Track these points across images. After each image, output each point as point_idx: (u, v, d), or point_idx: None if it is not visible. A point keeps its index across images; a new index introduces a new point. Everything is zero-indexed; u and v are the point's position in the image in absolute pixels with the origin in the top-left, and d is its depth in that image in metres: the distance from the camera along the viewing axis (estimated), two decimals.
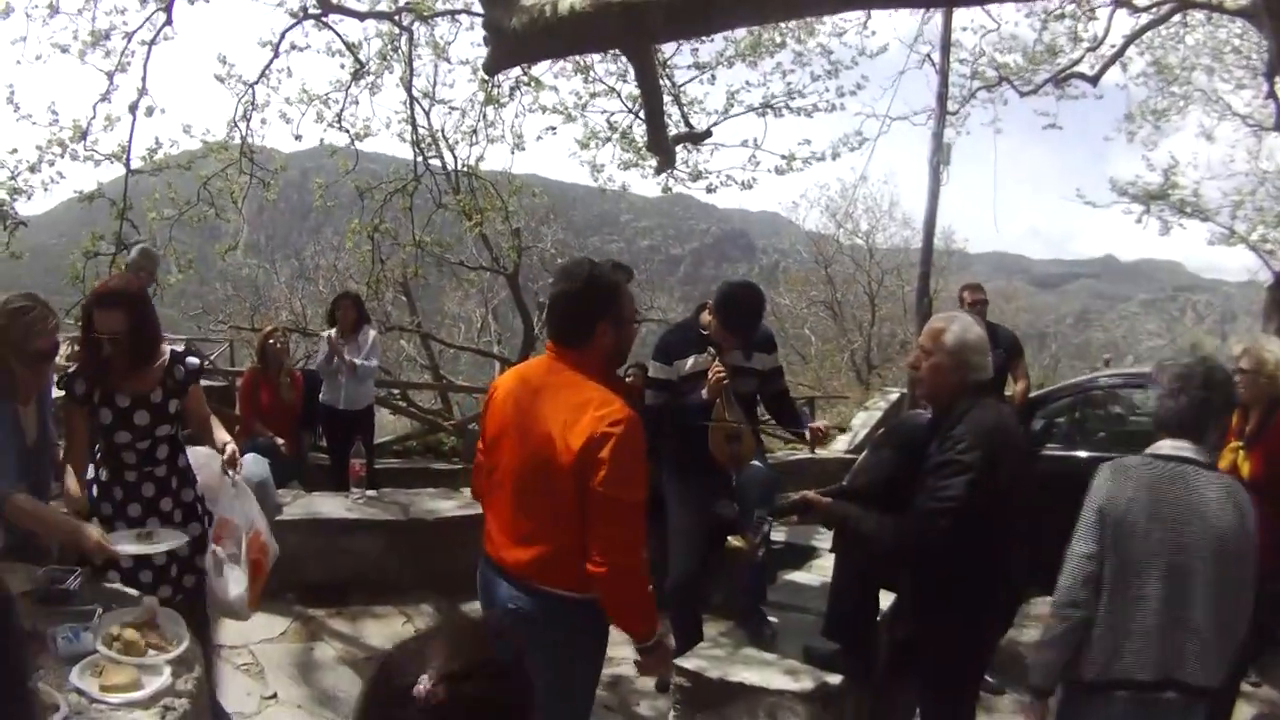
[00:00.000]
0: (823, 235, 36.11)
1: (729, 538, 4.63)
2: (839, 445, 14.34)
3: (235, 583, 4.07)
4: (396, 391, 15.46)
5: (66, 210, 23.55)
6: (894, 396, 15.95)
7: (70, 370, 4.21)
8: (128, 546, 3.91)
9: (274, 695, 5.35)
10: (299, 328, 15.94)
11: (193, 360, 4.35)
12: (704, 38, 11.18)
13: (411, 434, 13.51)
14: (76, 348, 3.95)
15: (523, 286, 20.62)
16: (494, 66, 6.76)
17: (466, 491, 7.65)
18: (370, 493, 7.50)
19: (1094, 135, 21.89)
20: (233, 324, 16.38)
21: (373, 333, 9.40)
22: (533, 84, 11.95)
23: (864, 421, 14.88)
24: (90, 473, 4.27)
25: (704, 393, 5.36)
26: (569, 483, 3.20)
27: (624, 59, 11.48)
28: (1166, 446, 3.49)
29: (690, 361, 5.60)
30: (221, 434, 4.42)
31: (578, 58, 11.23)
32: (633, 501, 3.20)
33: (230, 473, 4.25)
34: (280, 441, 8.08)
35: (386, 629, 6.39)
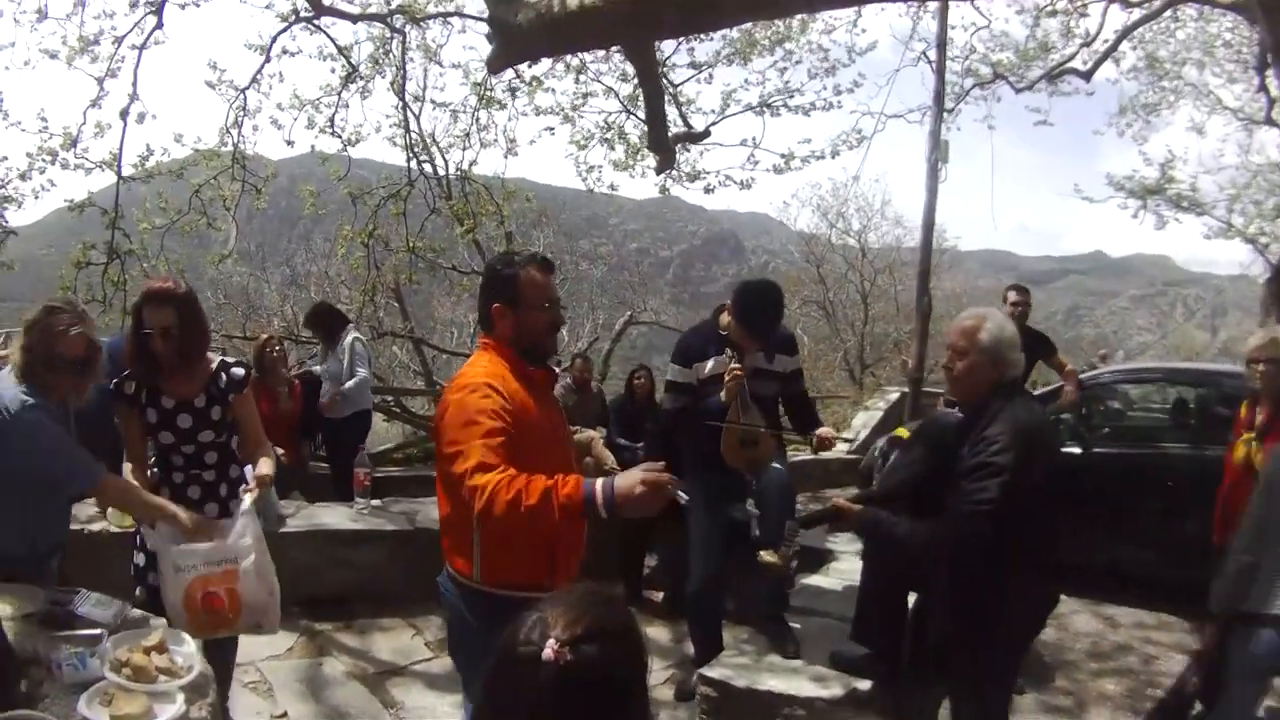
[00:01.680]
0: (814, 235, 36.07)
1: (761, 552, 4.53)
2: (840, 446, 14.24)
3: (169, 588, 3.91)
4: (390, 398, 15.32)
5: (54, 221, 23.41)
6: (894, 396, 15.89)
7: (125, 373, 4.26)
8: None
9: (284, 714, 5.22)
10: (292, 335, 15.77)
11: (238, 371, 4.36)
12: (709, 34, 11.09)
13: (412, 441, 13.38)
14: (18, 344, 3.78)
15: None
16: (498, 64, 6.63)
17: None
18: (375, 502, 7.35)
19: (1082, 131, 21.94)
20: (225, 332, 16.18)
21: (350, 337, 9.23)
22: (533, 84, 11.86)
23: (865, 422, 14.80)
24: None
25: (721, 396, 5.26)
26: (440, 459, 3.20)
27: (618, 59, 11.48)
28: None
29: (710, 364, 5.53)
30: (265, 457, 4.39)
31: (572, 58, 11.14)
32: (471, 466, 2.94)
33: (245, 499, 4.12)
34: (280, 451, 7.91)
35: (395, 642, 6.26)
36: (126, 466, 4.33)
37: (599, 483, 2.81)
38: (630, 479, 2.80)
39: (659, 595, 7.49)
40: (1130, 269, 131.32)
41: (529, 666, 1.56)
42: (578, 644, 1.56)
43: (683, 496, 2.86)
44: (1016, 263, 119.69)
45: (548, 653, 1.54)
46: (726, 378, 5.25)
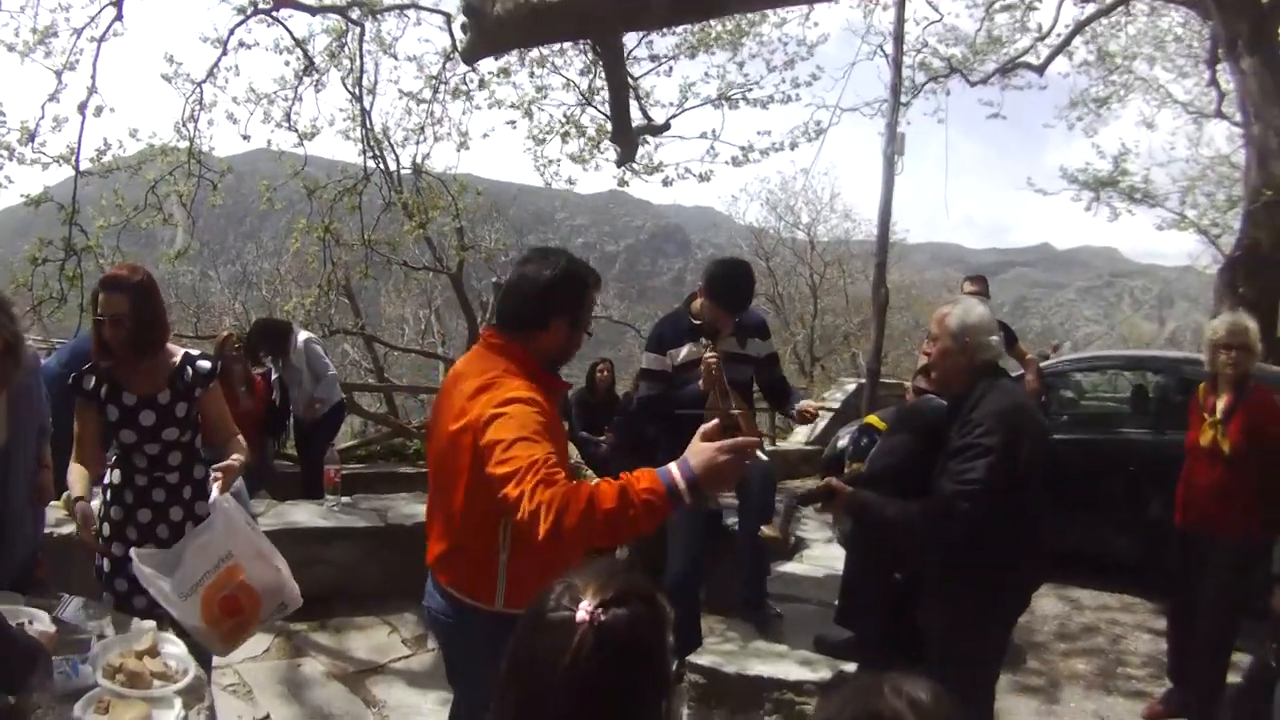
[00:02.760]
0: (762, 229, 36.22)
1: (762, 528, 4.52)
2: (799, 436, 14.33)
3: (185, 616, 3.59)
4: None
5: (4, 220, 22.99)
6: (850, 387, 15.97)
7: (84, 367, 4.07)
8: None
9: (266, 716, 5.15)
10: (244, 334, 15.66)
11: (203, 364, 4.17)
12: (695, 23, 11.11)
13: (373, 438, 13.30)
14: None
15: (466, 286, 20.40)
16: (472, 54, 6.62)
17: None
18: (345, 499, 7.28)
19: (1030, 125, 22.17)
20: (177, 332, 15.97)
21: (302, 337, 9.15)
22: (499, 75, 11.81)
23: (814, 406, 14.81)
24: (105, 477, 4.14)
25: (699, 383, 5.27)
26: (465, 477, 2.97)
27: (572, 52, 11.46)
28: None
29: (684, 351, 5.55)
30: (236, 450, 4.20)
31: (533, 51, 11.11)
32: (529, 463, 2.66)
33: (213, 490, 3.87)
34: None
35: (371, 640, 6.20)
36: (73, 469, 3.94)
37: (672, 467, 2.56)
38: (706, 452, 2.58)
39: None
40: (1077, 261, 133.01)
41: (562, 631, 1.63)
42: (609, 606, 1.63)
43: (763, 457, 2.82)
44: (964, 255, 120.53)
45: (582, 614, 1.62)
46: (703, 364, 5.25)
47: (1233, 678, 5.25)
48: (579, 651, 1.60)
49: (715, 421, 2.76)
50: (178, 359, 4.11)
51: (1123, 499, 7.65)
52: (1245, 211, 8.56)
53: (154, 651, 3.17)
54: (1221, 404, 5.28)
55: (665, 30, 11.13)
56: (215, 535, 3.70)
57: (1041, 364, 8.70)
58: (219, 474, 3.95)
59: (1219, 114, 17.68)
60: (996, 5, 15.83)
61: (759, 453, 5.52)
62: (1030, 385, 7.95)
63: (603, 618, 1.62)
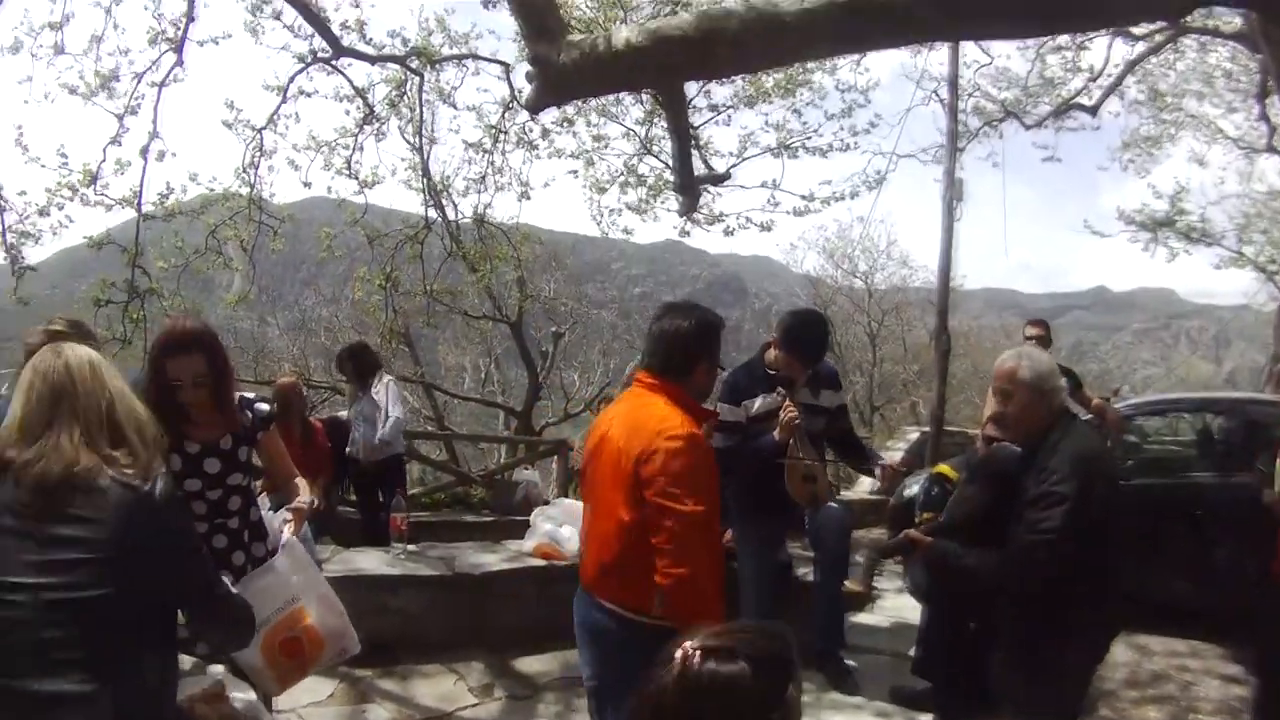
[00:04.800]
0: (819, 277, 36.13)
1: (845, 582, 4.48)
2: (864, 485, 14.17)
3: (246, 656, 3.57)
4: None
5: (59, 260, 23.40)
6: (914, 436, 15.82)
7: None
8: None
9: None
10: (305, 379, 15.81)
11: (262, 406, 4.12)
12: (759, 73, 11.16)
13: (438, 486, 13.32)
14: None
15: (525, 335, 20.51)
16: (538, 104, 6.60)
17: (509, 544, 7.48)
18: (411, 547, 7.26)
19: (1084, 166, 22.12)
20: (238, 377, 16.17)
21: (387, 378, 9.22)
22: (562, 124, 11.90)
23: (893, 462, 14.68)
24: None
25: (776, 434, 5.24)
26: (626, 497, 3.35)
27: (629, 100, 11.54)
28: None
29: (759, 402, 5.53)
30: (301, 489, 4.18)
31: (594, 100, 11.18)
32: (688, 512, 3.21)
33: (284, 532, 3.94)
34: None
35: (438, 688, 6.14)
36: None
37: None
38: None
39: None
40: (1133, 303, 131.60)
41: (667, 664, 1.75)
42: (708, 655, 1.71)
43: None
44: (1019, 300, 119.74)
45: (679, 652, 1.73)
46: (783, 418, 5.22)
47: None
48: (661, 688, 1.72)
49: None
50: (236, 403, 4.02)
51: (1190, 543, 7.47)
52: None
53: (222, 696, 3.12)
54: None
55: (723, 80, 11.19)
56: (280, 578, 3.72)
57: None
58: (289, 516, 3.96)
59: (1270, 149, 17.56)
60: (1047, 46, 15.78)
61: (832, 502, 5.49)
62: (1114, 424, 7.83)
63: (695, 662, 1.70)
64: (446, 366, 30.57)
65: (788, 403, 5.25)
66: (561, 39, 5.78)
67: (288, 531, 3.92)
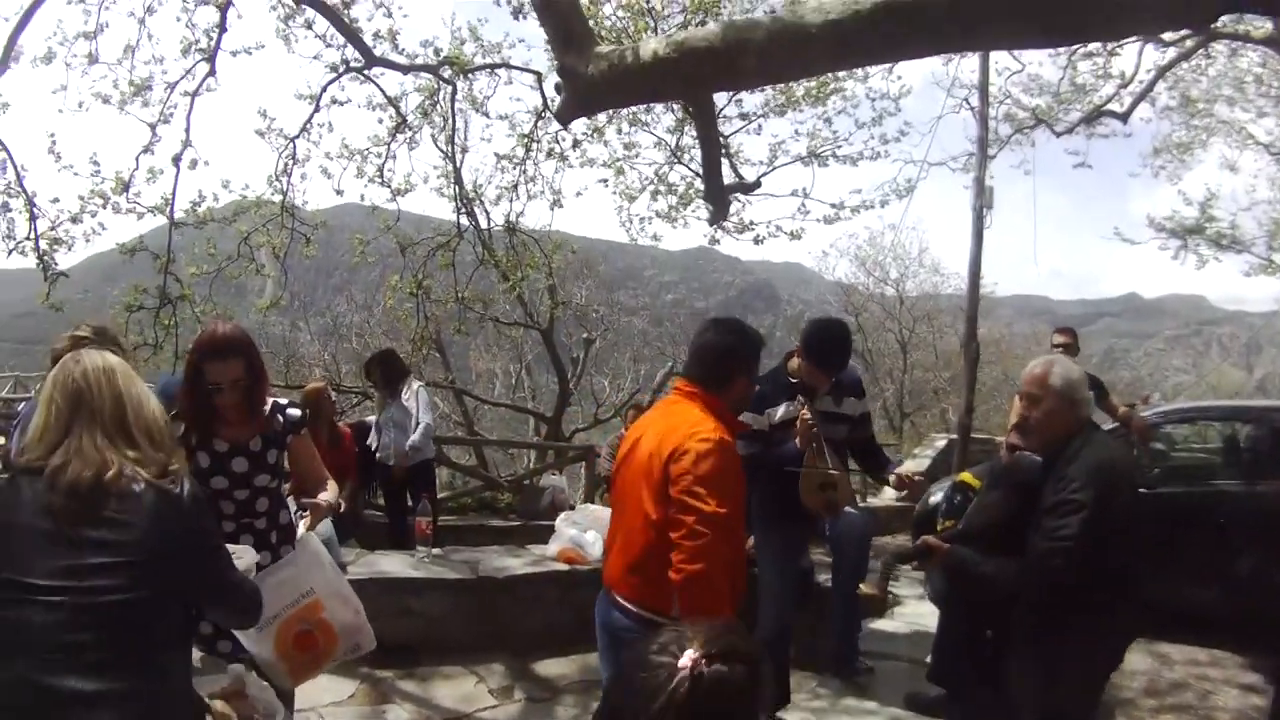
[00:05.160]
0: (851, 285, 36.04)
1: (861, 585, 4.52)
2: (890, 493, 14.15)
3: (259, 647, 3.72)
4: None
5: (88, 266, 23.64)
6: (941, 444, 15.80)
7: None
8: None
9: None
10: (335, 384, 15.94)
11: (294, 411, 4.19)
12: (786, 84, 11.18)
13: (465, 490, 13.40)
14: None
15: (556, 342, 20.56)
16: (567, 115, 6.67)
17: (533, 548, 7.56)
18: (435, 551, 7.33)
19: (1115, 173, 21.99)
20: (271, 381, 16.32)
21: (416, 384, 9.36)
22: (591, 135, 11.97)
23: (913, 470, 14.65)
24: None
25: (796, 441, 5.27)
26: (654, 494, 3.45)
27: (658, 109, 11.58)
28: None
29: (781, 410, 5.55)
30: (328, 489, 4.24)
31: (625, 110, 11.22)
32: (710, 512, 3.28)
33: (300, 526, 4.04)
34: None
35: (458, 690, 6.20)
36: None
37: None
38: None
39: None
40: (1164, 310, 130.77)
41: (663, 673, 1.72)
42: (712, 661, 1.72)
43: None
44: (1051, 307, 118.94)
45: (685, 662, 1.71)
46: (799, 423, 5.25)
47: None
48: (673, 696, 1.69)
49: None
50: (268, 406, 4.10)
51: (1214, 552, 7.43)
52: None
53: (242, 693, 3.18)
54: None
55: (753, 89, 11.21)
56: (297, 571, 3.79)
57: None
58: (306, 511, 4.03)
59: None
60: (1079, 53, 15.70)
61: (851, 509, 5.52)
62: (1140, 432, 7.81)
63: (704, 669, 1.70)
64: (478, 372, 30.64)
65: (805, 410, 5.26)
66: (590, 50, 5.84)
67: (303, 526, 4.01)
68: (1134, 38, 13.95)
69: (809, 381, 5.48)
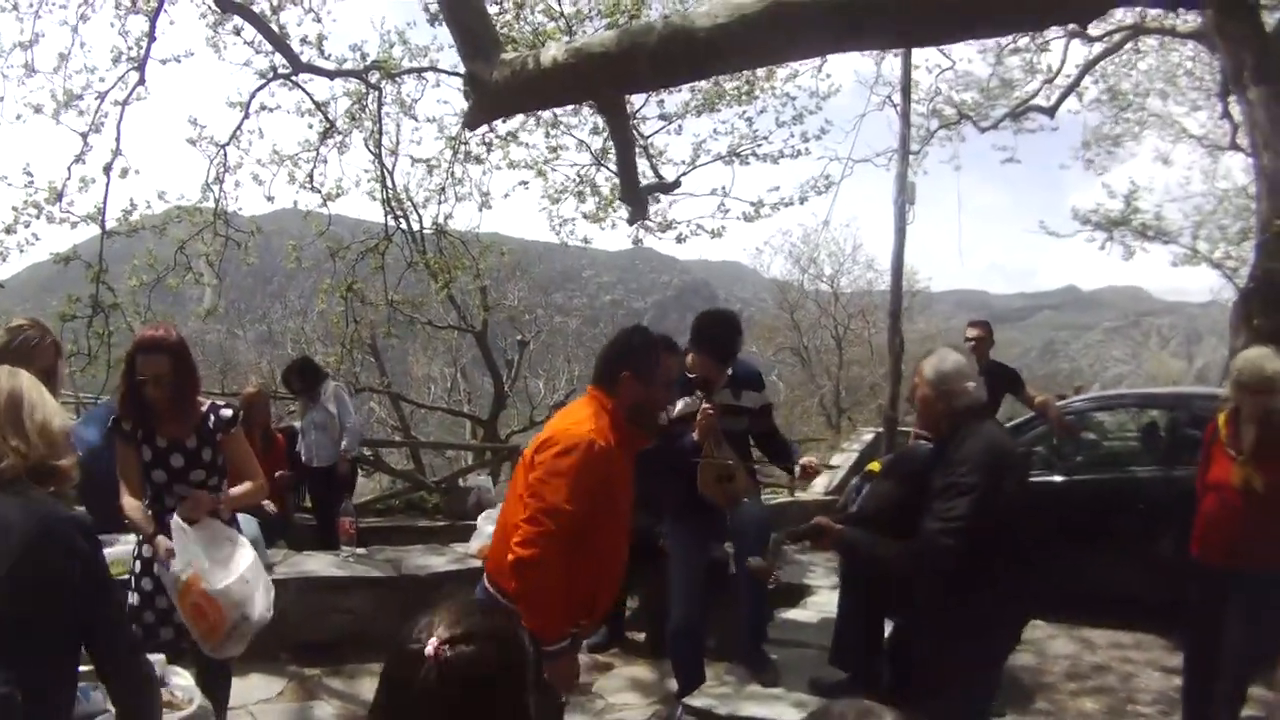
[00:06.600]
0: (787, 282, 36.31)
1: (749, 559, 4.66)
2: (818, 486, 14.37)
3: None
4: (369, 452, 15.41)
5: (27, 277, 23.37)
6: (869, 436, 16.04)
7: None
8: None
9: None
10: (272, 392, 15.91)
11: (226, 411, 4.47)
12: (679, 87, 11.30)
13: (392, 493, 13.44)
14: None
15: (491, 344, 20.59)
16: (474, 121, 6.82)
17: (456, 547, 7.70)
18: (360, 550, 7.44)
19: (1049, 167, 22.30)
20: (205, 390, 16.20)
21: (333, 385, 9.54)
22: (507, 139, 12.04)
23: (841, 462, 14.91)
24: None
25: (694, 434, 5.39)
26: (524, 481, 3.59)
27: (587, 112, 11.67)
28: None
29: (679, 404, 5.58)
30: (252, 486, 4.53)
31: (545, 112, 11.30)
32: (554, 505, 3.42)
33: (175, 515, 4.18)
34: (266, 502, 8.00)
35: None
36: (132, 505, 4.28)
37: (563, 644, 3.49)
38: (568, 676, 3.62)
39: (641, 636, 7.55)
40: (1103, 302, 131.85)
41: (414, 661, 1.78)
42: (454, 644, 1.77)
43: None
44: (989, 301, 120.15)
45: (429, 649, 1.76)
46: (699, 418, 5.36)
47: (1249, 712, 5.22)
48: (424, 683, 1.76)
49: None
50: (204, 408, 4.40)
51: (1134, 536, 7.63)
52: (1257, 243, 8.52)
53: (161, 681, 3.27)
54: (1250, 441, 5.09)
55: (672, 89, 11.36)
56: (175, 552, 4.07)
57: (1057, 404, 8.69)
58: (184, 497, 4.25)
59: (1233, 146, 17.56)
60: (1006, 48, 15.95)
61: (749, 501, 5.67)
62: (1056, 422, 7.97)
63: (447, 654, 1.76)
64: (415, 377, 30.56)
65: (704, 405, 5.38)
66: (496, 57, 5.97)
67: (177, 513, 4.18)
68: (1016, 34, 14.11)
69: (705, 375, 5.56)
